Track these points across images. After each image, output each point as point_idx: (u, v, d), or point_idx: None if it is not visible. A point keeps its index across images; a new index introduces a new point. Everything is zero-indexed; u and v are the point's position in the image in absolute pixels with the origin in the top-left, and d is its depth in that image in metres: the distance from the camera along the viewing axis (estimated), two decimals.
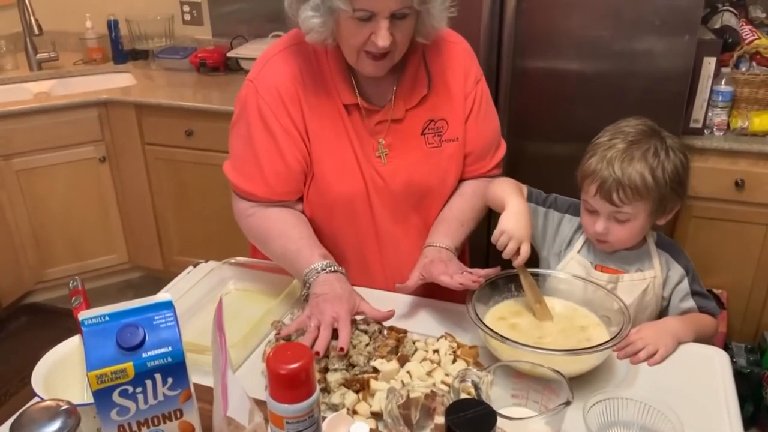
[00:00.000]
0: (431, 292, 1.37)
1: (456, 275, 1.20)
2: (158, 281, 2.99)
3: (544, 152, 2.21)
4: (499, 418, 0.78)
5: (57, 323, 2.80)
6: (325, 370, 1.09)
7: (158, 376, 0.79)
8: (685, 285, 1.31)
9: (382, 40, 1.15)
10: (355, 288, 1.25)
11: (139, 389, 0.78)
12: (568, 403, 0.90)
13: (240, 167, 1.34)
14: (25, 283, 2.92)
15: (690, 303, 1.30)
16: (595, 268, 1.30)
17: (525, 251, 1.20)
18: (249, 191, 1.33)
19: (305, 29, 1.20)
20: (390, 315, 1.20)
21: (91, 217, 2.92)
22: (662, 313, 1.34)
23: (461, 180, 1.44)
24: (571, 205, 1.40)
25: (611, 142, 1.28)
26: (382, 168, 1.34)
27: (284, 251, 1.29)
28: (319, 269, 1.22)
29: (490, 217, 2.31)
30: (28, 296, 3.00)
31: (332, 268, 1.23)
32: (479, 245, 2.36)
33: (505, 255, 1.21)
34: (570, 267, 1.34)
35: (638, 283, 1.29)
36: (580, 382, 1.06)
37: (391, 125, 1.33)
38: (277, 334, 1.16)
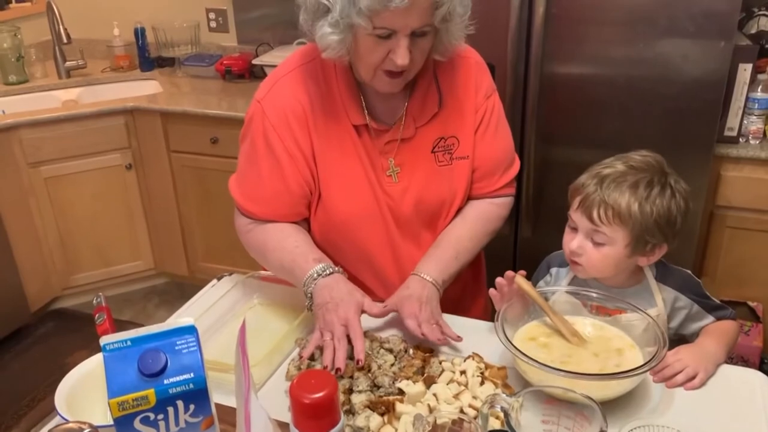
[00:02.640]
0: (456, 308, 1.35)
1: (424, 324, 1.17)
2: (183, 287, 3.03)
3: (572, 159, 2.16)
4: None
5: (84, 329, 2.82)
6: (350, 391, 1.06)
7: (180, 403, 0.77)
8: (696, 309, 1.27)
9: (402, 58, 1.12)
10: (378, 303, 1.23)
11: (160, 416, 0.77)
12: None
13: (242, 185, 1.33)
14: (52, 289, 2.95)
15: (709, 319, 1.27)
16: (591, 310, 1.21)
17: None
18: (249, 210, 1.32)
19: (322, 46, 1.16)
20: (388, 312, 1.21)
21: (117, 223, 2.95)
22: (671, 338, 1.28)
23: (469, 198, 1.39)
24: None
25: (612, 163, 1.25)
26: (393, 187, 1.31)
27: (281, 263, 1.27)
28: (315, 275, 1.20)
29: (517, 225, 2.30)
30: (55, 302, 3.03)
31: (329, 271, 1.21)
32: (505, 253, 2.33)
33: (506, 276, 1.19)
34: (558, 304, 1.22)
35: (638, 323, 1.16)
36: (612, 406, 1.02)
37: (401, 144, 1.30)
38: (300, 357, 1.15)
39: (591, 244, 1.24)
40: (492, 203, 1.39)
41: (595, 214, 1.21)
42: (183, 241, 2.99)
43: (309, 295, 1.20)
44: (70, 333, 2.87)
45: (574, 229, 1.27)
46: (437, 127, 1.31)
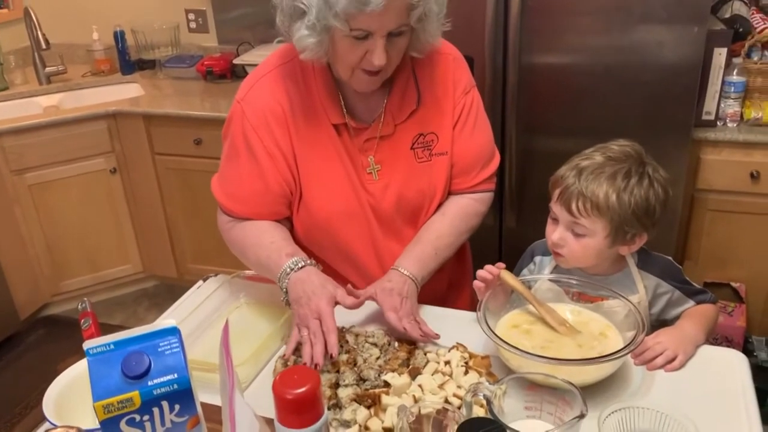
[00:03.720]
0: (442, 300, 1.37)
1: (405, 319, 1.18)
2: (173, 289, 3.02)
3: (554, 148, 2.19)
4: None
5: (75, 335, 2.77)
6: (336, 385, 1.08)
7: (165, 404, 0.78)
8: (678, 294, 1.29)
9: (379, 59, 1.13)
10: (353, 291, 1.23)
11: (146, 417, 0.78)
12: (582, 416, 0.88)
13: (224, 185, 1.35)
14: (41, 296, 2.95)
15: (690, 303, 1.29)
16: (572, 297, 1.23)
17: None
18: (230, 209, 1.33)
19: (299, 48, 1.17)
20: (362, 302, 1.20)
21: (104, 228, 2.94)
22: (652, 324, 1.30)
23: (449, 193, 1.39)
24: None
25: (591, 154, 1.27)
26: (374, 185, 1.32)
27: (258, 259, 1.28)
28: (288, 270, 1.21)
29: (501, 215, 2.31)
30: (45, 309, 3.02)
31: (301, 264, 1.21)
32: (490, 244, 2.35)
33: (487, 269, 1.20)
34: (540, 292, 1.24)
35: (619, 309, 1.17)
36: (594, 390, 1.04)
37: (380, 141, 1.30)
38: (284, 356, 1.16)
39: (572, 235, 1.25)
40: (472, 198, 1.40)
41: (573, 206, 1.22)
42: (171, 243, 3.00)
43: (284, 290, 1.21)
44: (62, 339, 2.87)
45: (555, 221, 1.28)
46: (416, 123, 1.32)
